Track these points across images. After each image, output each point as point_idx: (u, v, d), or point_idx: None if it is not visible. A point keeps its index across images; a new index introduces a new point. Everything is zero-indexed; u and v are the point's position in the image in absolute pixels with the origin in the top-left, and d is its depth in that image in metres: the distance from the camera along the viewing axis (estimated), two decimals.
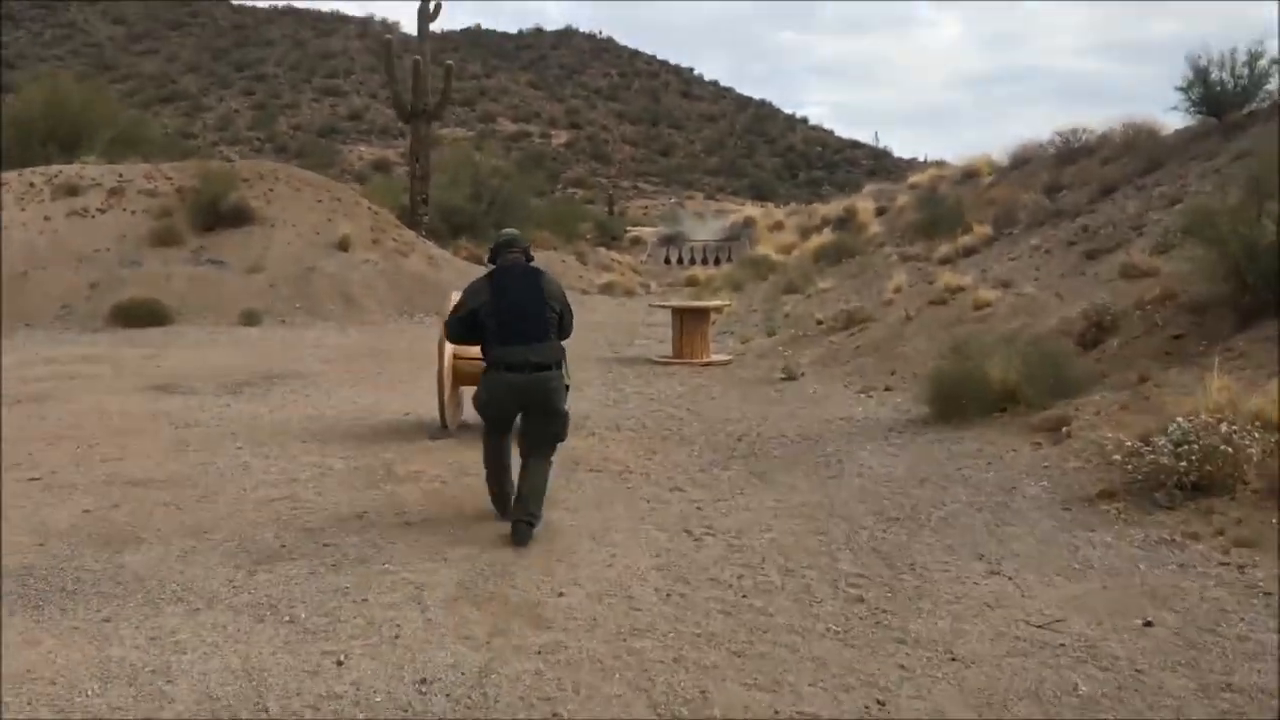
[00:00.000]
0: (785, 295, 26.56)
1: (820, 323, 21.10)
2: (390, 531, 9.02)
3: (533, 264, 9.12)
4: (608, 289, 37.41)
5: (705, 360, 19.26)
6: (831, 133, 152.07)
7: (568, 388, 8.95)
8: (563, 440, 9.11)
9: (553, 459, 9.13)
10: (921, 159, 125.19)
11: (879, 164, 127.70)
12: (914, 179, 36.40)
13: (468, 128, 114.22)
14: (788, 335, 21.18)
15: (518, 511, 8.77)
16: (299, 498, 10.02)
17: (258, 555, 8.45)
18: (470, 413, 12.78)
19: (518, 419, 9.07)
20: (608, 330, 24.77)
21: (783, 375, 17.24)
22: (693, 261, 49.27)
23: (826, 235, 33.47)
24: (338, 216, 30.41)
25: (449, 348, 12.42)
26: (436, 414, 13.48)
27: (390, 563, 8.28)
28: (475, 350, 9.37)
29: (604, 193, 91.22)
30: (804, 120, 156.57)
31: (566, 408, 9.05)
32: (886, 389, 15.46)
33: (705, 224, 59.29)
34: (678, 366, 18.93)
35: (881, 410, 14.13)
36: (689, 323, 19.66)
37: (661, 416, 14.08)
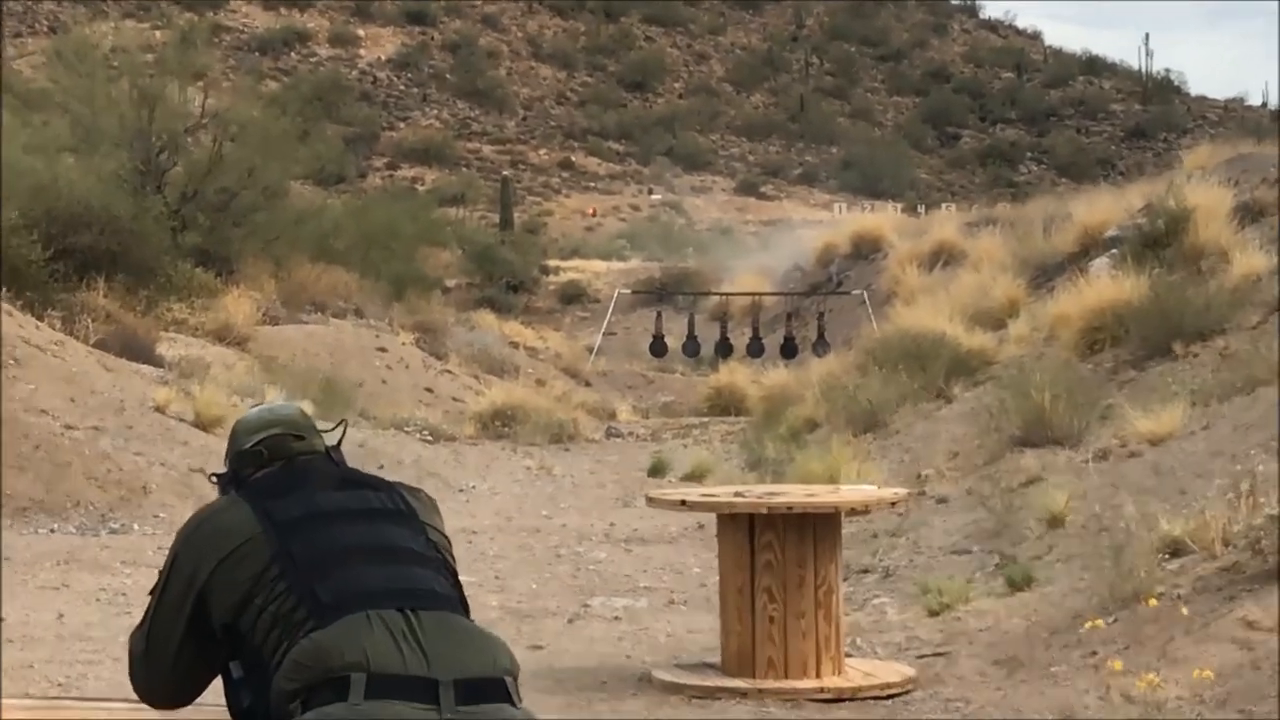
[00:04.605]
0: (1023, 452, 11.28)
1: (1169, 551, 7.62)
2: None
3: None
4: (503, 424, 18.63)
5: (831, 687, 7.21)
6: (1036, 37, 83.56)
7: None
8: None
9: None
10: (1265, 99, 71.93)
11: (1163, 111, 70.99)
12: None
13: (137, 11, 64.68)
14: (1071, 587, 8.19)
15: None
16: None
17: None
18: None
19: None
20: (511, 568, 10.67)
21: None
22: (724, 347, 26.57)
23: (1104, 276, 14.84)
24: None
25: None
26: None
27: None
28: None
29: (490, 180, 51.61)
30: (970, 9, 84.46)
31: None
32: None
33: (746, 249, 31.80)
34: (742, 708, 7.16)
35: None
36: (772, 556, 7.19)
37: None
